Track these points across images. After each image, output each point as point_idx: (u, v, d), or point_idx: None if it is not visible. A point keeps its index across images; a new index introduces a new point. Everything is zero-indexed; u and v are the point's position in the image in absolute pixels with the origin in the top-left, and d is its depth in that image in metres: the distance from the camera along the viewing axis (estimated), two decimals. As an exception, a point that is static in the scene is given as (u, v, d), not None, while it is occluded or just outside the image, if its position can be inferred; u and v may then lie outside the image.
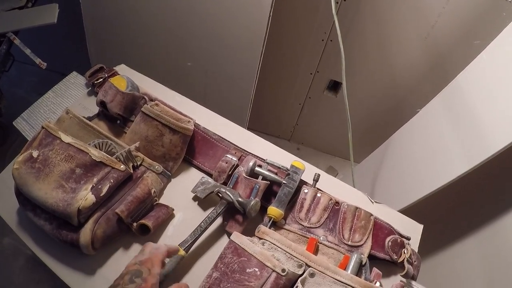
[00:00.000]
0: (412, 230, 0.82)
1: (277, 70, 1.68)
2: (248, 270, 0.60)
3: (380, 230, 0.75)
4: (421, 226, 0.84)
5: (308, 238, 0.72)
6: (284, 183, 0.74)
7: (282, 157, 0.86)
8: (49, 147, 0.75)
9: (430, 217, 1.44)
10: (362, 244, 0.72)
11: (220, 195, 0.73)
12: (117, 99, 0.83)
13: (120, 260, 0.71)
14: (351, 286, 0.61)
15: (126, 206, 0.70)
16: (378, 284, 0.66)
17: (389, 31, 1.33)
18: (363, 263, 0.70)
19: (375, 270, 0.69)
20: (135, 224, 0.71)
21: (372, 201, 0.85)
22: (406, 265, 0.71)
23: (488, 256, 1.05)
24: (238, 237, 0.65)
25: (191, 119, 0.85)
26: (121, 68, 1.02)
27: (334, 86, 1.65)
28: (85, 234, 0.67)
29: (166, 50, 1.23)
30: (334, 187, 0.84)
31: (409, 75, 1.45)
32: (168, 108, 0.85)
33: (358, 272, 0.69)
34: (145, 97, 0.86)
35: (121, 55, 1.33)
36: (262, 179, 0.75)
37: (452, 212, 1.31)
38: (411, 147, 1.27)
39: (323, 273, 0.62)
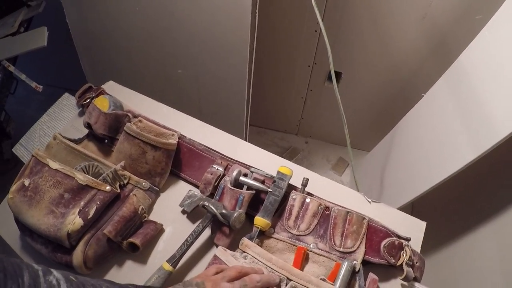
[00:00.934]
0: (414, 228, 0.82)
1: (275, 66, 1.70)
2: None
3: (375, 233, 0.75)
4: (423, 224, 0.83)
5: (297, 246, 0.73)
6: (269, 191, 0.76)
7: (273, 162, 0.86)
8: (39, 174, 0.80)
9: (442, 207, 1.43)
10: (355, 250, 0.72)
11: (205, 208, 0.76)
12: (101, 120, 0.88)
13: (115, 277, 0.76)
14: None
15: (113, 227, 0.74)
16: None
17: (384, 14, 1.31)
18: (357, 269, 0.70)
19: (371, 276, 0.69)
20: (124, 242, 0.75)
21: (369, 200, 0.85)
22: (405, 268, 0.70)
23: (504, 246, 1.03)
24: (222, 253, 0.67)
25: (176, 132, 0.88)
26: (109, 85, 1.07)
27: (335, 76, 1.64)
28: (77, 255, 0.72)
29: (156, 60, 1.27)
30: (328, 189, 0.85)
31: (411, 58, 1.42)
32: (151, 123, 0.89)
33: (352, 279, 0.70)
34: (129, 114, 0.90)
35: (112, 69, 1.39)
36: (247, 189, 0.77)
37: (464, 201, 1.29)
38: (418, 133, 1.25)
39: (306, 286, 0.63)
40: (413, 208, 1.72)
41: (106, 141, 0.92)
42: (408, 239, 0.76)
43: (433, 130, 1.16)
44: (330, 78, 1.65)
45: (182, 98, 0.94)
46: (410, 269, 0.72)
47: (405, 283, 0.74)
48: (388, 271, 0.74)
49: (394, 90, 1.57)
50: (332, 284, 0.65)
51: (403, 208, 0.84)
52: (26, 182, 0.80)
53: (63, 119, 1.07)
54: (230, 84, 1.24)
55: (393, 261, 0.72)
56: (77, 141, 0.93)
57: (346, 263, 0.68)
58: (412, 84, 1.49)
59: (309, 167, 0.89)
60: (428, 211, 1.60)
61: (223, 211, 0.73)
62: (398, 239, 0.74)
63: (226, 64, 1.18)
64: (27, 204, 0.77)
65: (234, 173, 0.77)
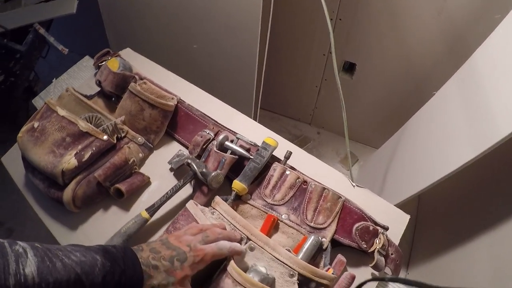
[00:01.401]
0: (397, 220, 0.81)
1: (291, 52, 1.73)
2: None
3: (349, 214, 0.76)
4: (407, 217, 0.83)
5: (271, 215, 0.76)
6: (251, 158, 0.80)
7: (265, 135, 0.90)
8: (47, 119, 0.89)
9: (443, 217, 1.41)
10: (325, 227, 0.74)
11: (189, 166, 0.81)
12: (109, 78, 0.96)
13: (100, 219, 0.84)
14: (288, 266, 0.63)
15: (103, 171, 0.82)
16: (332, 271, 0.66)
17: (400, 7, 1.31)
18: (324, 247, 0.72)
19: (339, 257, 0.69)
20: (112, 187, 0.82)
21: (354, 184, 0.86)
22: (376, 255, 0.71)
23: (496, 258, 1.01)
24: (192, 206, 0.72)
25: (176, 96, 0.95)
26: (126, 52, 1.16)
27: (350, 67, 1.65)
28: (67, 193, 0.80)
29: (173, 34, 1.36)
30: (315, 167, 0.88)
31: (426, 55, 1.41)
32: (154, 86, 0.96)
33: (317, 256, 0.71)
34: (136, 76, 0.98)
35: (133, 38, 1.49)
36: (231, 154, 0.82)
37: (461, 212, 1.28)
38: (425, 132, 1.25)
39: (263, 248, 0.65)
40: (417, 219, 1.71)
41: (113, 99, 1.00)
42: (385, 228, 0.76)
43: (438, 129, 1.16)
44: (345, 69, 1.66)
45: (196, 74, 1.00)
46: (382, 258, 0.72)
47: (376, 273, 0.74)
48: (361, 258, 0.74)
49: (407, 86, 1.56)
50: (293, 254, 0.66)
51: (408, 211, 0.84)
52: (35, 125, 0.89)
53: (81, 78, 1.17)
54: (241, 63, 1.29)
55: (365, 246, 0.72)
56: (88, 97, 1.01)
57: (312, 237, 0.70)
58: (426, 82, 1.47)
59: (318, 157, 0.91)
60: (430, 220, 1.59)
61: (204, 170, 0.78)
62: (373, 225, 0.75)
63: (238, 42, 1.23)
64: (32, 143, 0.86)
65: (220, 137, 0.82)
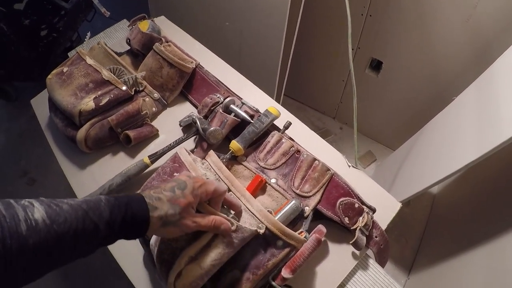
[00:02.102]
0: (387, 206, 0.83)
1: (320, 43, 1.76)
2: (175, 174, 0.72)
3: (336, 188, 0.77)
4: (398, 205, 0.84)
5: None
6: (251, 122, 0.85)
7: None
8: (76, 65, 0.98)
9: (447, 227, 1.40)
10: (310, 196, 0.76)
11: (194, 123, 0.88)
12: (138, 37, 1.04)
13: (107, 162, 0.92)
14: (257, 218, 0.66)
15: (116, 117, 0.89)
16: (304, 235, 0.68)
17: (429, 10, 1.31)
18: (305, 214, 0.75)
19: (320, 227, 0.70)
20: (122, 133, 0.90)
21: (349, 164, 0.89)
22: (357, 233, 0.72)
23: (491, 271, 1.01)
24: (183, 153, 0.76)
25: (195, 60, 1.02)
26: (160, 19, 1.24)
27: (377, 65, 1.66)
28: (81, 132, 0.88)
29: (209, 10, 1.43)
30: (315, 143, 0.91)
31: (451, 60, 1.40)
32: (177, 49, 1.03)
33: (297, 222, 0.74)
34: (162, 39, 1.06)
35: (172, 10, 1.57)
36: (234, 116, 0.88)
37: (469, 219, 1.26)
38: (437, 136, 1.25)
39: (239, 199, 0.69)
40: (426, 226, 1.69)
41: (139, 57, 1.08)
42: (372, 209, 0.77)
43: (450, 133, 1.16)
44: (371, 66, 1.68)
45: (225, 50, 1.06)
46: (364, 237, 0.74)
47: (356, 252, 0.76)
48: (344, 235, 0.77)
49: (430, 90, 1.55)
50: (267, 212, 0.68)
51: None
52: (65, 69, 0.98)
53: (115, 38, 1.26)
54: (268, 45, 1.34)
55: (347, 222, 0.74)
56: (118, 54, 1.09)
57: (293, 201, 0.73)
58: (449, 87, 1.46)
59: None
60: (439, 228, 1.58)
61: (206, 126, 0.84)
62: (359, 203, 0.76)
63: (267, 23, 1.28)
64: (59, 84, 0.95)
65: (226, 100, 0.88)
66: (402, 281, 1.56)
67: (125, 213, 0.51)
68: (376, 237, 0.77)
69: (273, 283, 0.65)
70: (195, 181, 0.60)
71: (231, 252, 0.61)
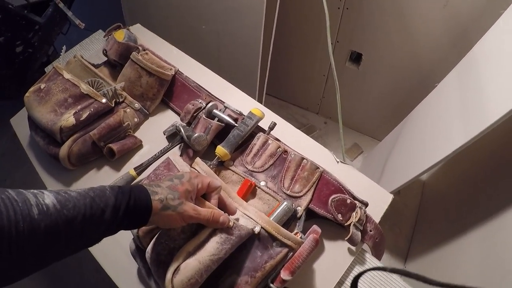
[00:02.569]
0: (379, 199, 0.83)
1: (299, 39, 1.76)
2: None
3: (326, 185, 0.78)
4: (390, 196, 0.84)
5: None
6: (235, 125, 0.85)
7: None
8: (53, 81, 0.97)
9: (440, 213, 1.42)
10: (301, 196, 0.77)
11: (178, 131, 0.87)
12: (114, 47, 1.03)
13: (92, 178, 0.91)
14: (252, 219, 0.67)
15: (98, 131, 0.89)
16: (299, 235, 0.68)
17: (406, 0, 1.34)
18: (298, 215, 0.75)
19: (315, 227, 0.70)
20: (105, 147, 0.89)
21: (337, 160, 0.89)
22: (352, 229, 0.72)
23: (486, 256, 1.02)
24: (174, 155, 0.76)
25: (174, 67, 1.01)
26: (136, 27, 1.23)
27: (357, 57, 1.68)
28: (64, 149, 0.87)
29: (185, 14, 1.42)
30: (302, 141, 0.92)
31: (430, 47, 1.41)
32: (155, 57, 1.02)
33: (291, 223, 0.75)
34: (139, 47, 1.04)
35: (147, 17, 1.57)
36: (218, 121, 0.87)
37: (460, 204, 1.28)
38: (423, 124, 1.26)
39: (237, 208, 0.69)
40: (418, 215, 1.71)
41: (117, 67, 1.07)
42: (364, 203, 0.78)
43: (435, 119, 1.17)
44: (351, 58, 1.69)
45: (204, 54, 1.06)
46: (358, 232, 0.74)
47: (352, 248, 0.77)
48: (339, 232, 0.77)
49: (412, 79, 1.57)
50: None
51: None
52: (42, 86, 0.97)
53: (91, 49, 1.25)
54: (246, 45, 1.34)
55: (341, 218, 0.74)
56: (95, 66, 1.08)
57: (285, 203, 0.73)
58: (430, 74, 1.48)
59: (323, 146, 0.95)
60: (431, 216, 1.60)
61: (190, 133, 0.83)
62: (351, 198, 0.77)
63: (244, 24, 1.28)
64: (37, 102, 0.93)
65: (209, 105, 0.88)
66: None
67: (129, 198, 0.54)
68: (370, 231, 0.78)
69: (272, 285, 0.65)
70: (192, 172, 0.64)
71: (229, 249, 0.61)
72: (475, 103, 0.96)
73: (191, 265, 0.58)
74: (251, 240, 0.66)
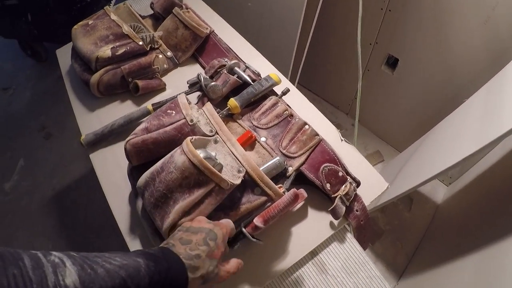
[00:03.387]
0: (374, 184, 0.84)
1: (338, 35, 1.80)
2: (168, 111, 0.78)
3: (322, 153, 0.81)
4: (386, 184, 0.85)
5: (252, 134, 0.86)
6: (251, 84, 0.92)
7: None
8: (100, 20, 1.08)
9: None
10: (295, 157, 0.81)
11: (198, 79, 0.95)
12: (160, 1, 1.13)
13: (114, 108, 1.01)
14: (239, 161, 0.71)
15: (129, 66, 0.99)
16: (283, 190, 0.72)
17: (446, 10, 1.34)
18: (288, 174, 0.79)
19: (301, 190, 0.72)
20: (132, 82, 0.99)
21: (342, 139, 0.93)
22: (337, 201, 0.74)
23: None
24: (181, 97, 0.82)
25: (211, 28, 1.10)
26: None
27: (394, 63, 1.69)
28: (95, 76, 0.98)
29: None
30: (312, 113, 0.96)
31: (467, 62, 1.41)
32: (195, 16, 1.12)
33: (279, 180, 0.79)
34: (183, 5, 1.14)
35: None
36: (237, 78, 0.94)
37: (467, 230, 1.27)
38: (441, 138, 1.27)
39: (225, 142, 0.75)
40: (425, 235, 1.70)
41: (160, 21, 1.17)
42: (356, 181, 0.80)
43: (452, 132, 1.18)
44: (388, 62, 1.71)
45: (245, 31, 1.13)
46: (343, 207, 0.76)
47: (335, 222, 0.79)
48: (325, 203, 0.79)
49: (443, 93, 1.56)
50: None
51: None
52: (90, 22, 1.09)
53: (141, 4, 1.36)
54: (285, 30, 1.40)
55: (329, 188, 0.76)
56: (142, 16, 1.19)
57: (277, 158, 0.78)
58: (462, 90, 1.48)
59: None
60: (437, 237, 1.58)
61: (208, 82, 0.91)
62: (344, 172, 0.79)
63: (286, 6, 1.35)
64: (82, 34, 1.05)
65: (232, 62, 0.95)
66: (390, 287, 1.58)
67: (165, 280, 0.49)
68: (357, 210, 0.79)
69: (244, 230, 0.69)
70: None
71: (217, 204, 0.67)
72: (493, 115, 0.97)
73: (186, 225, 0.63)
74: None
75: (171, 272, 0.49)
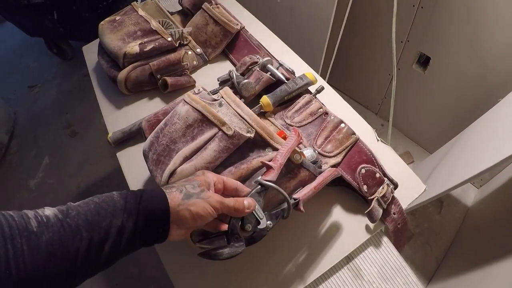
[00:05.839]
0: (411, 186, 0.80)
1: (369, 33, 1.75)
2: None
3: (359, 153, 0.77)
4: (423, 187, 0.81)
5: (285, 133, 0.83)
6: (285, 82, 0.88)
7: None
8: (128, 15, 1.06)
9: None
10: (331, 156, 0.77)
11: (230, 76, 0.92)
12: (189, -4, 1.11)
13: (142, 105, 0.99)
14: (247, 122, 0.68)
15: (158, 62, 0.96)
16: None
17: (482, 6, 1.28)
18: (314, 158, 0.73)
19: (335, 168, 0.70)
20: (161, 79, 0.96)
21: (378, 139, 0.88)
22: (374, 203, 0.71)
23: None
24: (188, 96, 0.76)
25: (241, 24, 1.06)
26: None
27: (425, 61, 1.63)
28: (123, 73, 0.95)
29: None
30: (346, 112, 0.92)
31: (502, 60, 1.34)
32: (225, 12, 1.08)
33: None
34: (212, 1, 1.11)
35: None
36: (270, 75, 0.91)
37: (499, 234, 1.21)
38: (473, 139, 1.20)
39: (229, 104, 0.70)
40: (455, 238, 1.64)
41: (189, 17, 1.14)
42: (394, 183, 0.76)
43: (487, 133, 1.12)
44: (419, 61, 1.65)
45: (275, 27, 1.10)
46: (380, 210, 0.72)
47: (371, 226, 0.75)
48: (361, 206, 0.76)
49: (477, 92, 1.50)
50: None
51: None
52: (117, 18, 1.06)
53: (170, 0, 1.34)
54: (316, 28, 1.36)
55: (365, 190, 0.73)
56: (171, 13, 1.17)
57: (309, 149, 0.74)
58: (496, 90, 1.41)
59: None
60: (467, 241, 1.53)
61: (240, 80, 0.88)
62: (381, 173, 0.75)
63: (316, 3, 1.31)
64: (109, 30, 1.03)
65: (265, 59, 0.92)
66: (419, 290, 1.53)
67: (140, 198, 0.49)
68: (394, 214, 0.76)
69: (260, 179, 0.60)
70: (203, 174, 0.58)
71: (224, 156, 0.64)
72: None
73: (187, 170, 0.62)
74: (245, 143, 0.68)
75: (145, 191, 0.50)
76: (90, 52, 1.17)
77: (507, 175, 1.55)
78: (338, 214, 0.78)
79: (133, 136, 0.91)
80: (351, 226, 0.76)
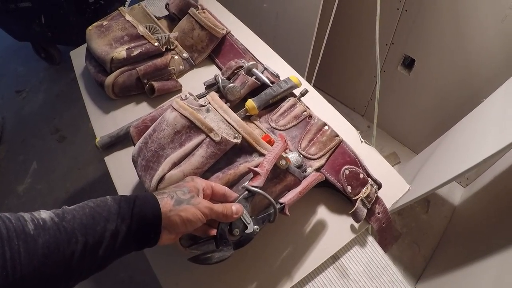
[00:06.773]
0: (395, 186, 0.82)
1: (353, 36, 1.78)
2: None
3: (342, 155, 0.79)
4: (407, 186, 0.83)
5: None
6: (270, 86, 0.90)
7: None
8: (115, 21, 1.07)
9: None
10: (315, 159, 0.78)
11: (215, 80, 0.94)
12: (176, 1, 1.12)
13: (130, 110, 0.99)
14: (234, 128, 0.70)
15: (144, 67, 0.97)
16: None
17: (465, 9, 1.31)
18: (307, 174, 0.74)
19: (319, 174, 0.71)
20: (148, 84, 0.98)
21: (362, 140, 0.90)
22: (358, 203, 0.73)
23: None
24: (176, 102, 0.77)
25: (227, 28, 1.08)
26: (200, -10, 1.31)
27: (410, 63, 1.67)
28: (110, 78, 0.96)
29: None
30: (331, 114, 0.94)
31: (484, 61, 1.38)
32: (211, 16, 1.10)
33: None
34: (199, 6, 1.13)
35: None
36: (255, 79, 0.93)
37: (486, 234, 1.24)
38: (458, 139, 1.23)
39: (217, 110, 0.72)
40: (442, 237, 1.67)
41: (175, 22, 1.15)
42: (377, 183, 0.78)
43: (470, 133, 1.15)
44: (404, 63, 1.68)
45: (260, 35, 1.12)
46: (365, 209, 0.74)
47: (355, 225, 0.77)
48: (345, 206, 0.78)
49: (461, 93, 1.53)
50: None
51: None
52: (104, 23, 1.07)
53: (156, 6, 1.35)
54: (302, 31, 1.38)
55: (350, 191, 0.74)
56: (157, 18, 1.18)
57: (293, 153, 0.75)
58: (480, 90, 1.45)
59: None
60: (454, 240, 1.55)
61: (226, 84, 0.89)
62: (365, 174, 0.77)
63: (302, 7, 1.33)
64: (97, 35, 1.04)
65: (250, 63, 0.93)
66: (408, 290, 1.55)
67: (134, 203, 0.51)
68: (378, 213, 0.77)
69: (247, 185, 0.63)
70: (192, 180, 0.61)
71: (211, 161, 0.66)
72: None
73: (175, 176, 0.64)
74: (231, 149, 0.69)
75: (138, 197, 0.52)
76: (78, 57, 1.18)
77: (493, 174, 1.58)
78: (323, 214, 0.79)
79: (120, 140, 0.92)
80: (336, 226, 0.78)
